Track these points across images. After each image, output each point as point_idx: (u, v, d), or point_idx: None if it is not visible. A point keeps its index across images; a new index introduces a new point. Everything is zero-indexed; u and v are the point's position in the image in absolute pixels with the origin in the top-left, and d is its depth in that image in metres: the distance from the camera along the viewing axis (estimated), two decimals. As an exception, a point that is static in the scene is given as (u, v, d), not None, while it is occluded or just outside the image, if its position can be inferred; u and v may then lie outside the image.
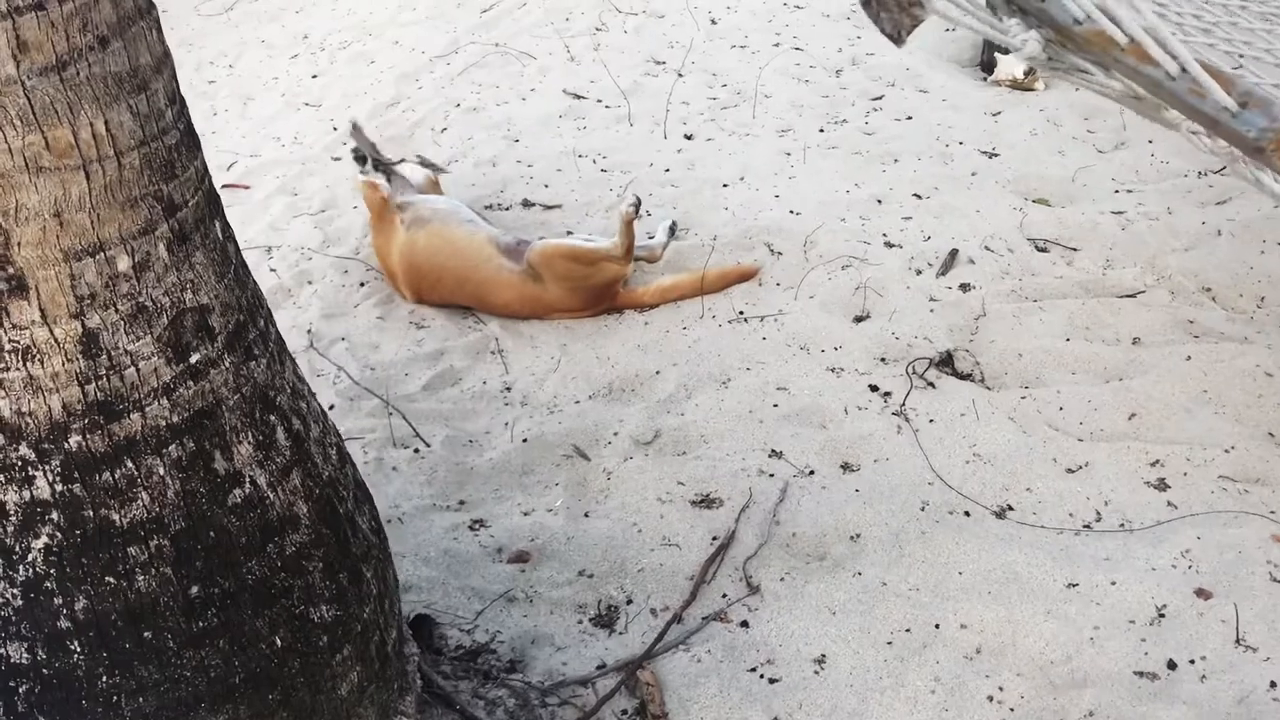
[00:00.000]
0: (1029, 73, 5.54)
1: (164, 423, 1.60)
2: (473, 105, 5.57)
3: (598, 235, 4.30)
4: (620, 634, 2.76)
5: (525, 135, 5.25)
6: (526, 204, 4.67)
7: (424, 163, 4.61)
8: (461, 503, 3.22)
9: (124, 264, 1.50)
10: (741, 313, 3.92)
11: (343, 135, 5.38)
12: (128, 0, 1.46)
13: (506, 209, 4.66)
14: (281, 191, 4.97)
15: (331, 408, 3.59)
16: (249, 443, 1.70)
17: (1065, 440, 3.28)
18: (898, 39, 2.17)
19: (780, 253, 4.22)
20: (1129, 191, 4.51)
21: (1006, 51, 5.67)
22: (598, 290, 3.93)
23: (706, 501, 3.14)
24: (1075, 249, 4.17)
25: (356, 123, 4.67)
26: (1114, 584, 2.79)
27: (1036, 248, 4.19)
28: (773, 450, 3.30)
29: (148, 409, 1.58)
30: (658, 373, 3.67)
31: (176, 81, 1.58)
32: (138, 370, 1.56)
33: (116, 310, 1.52)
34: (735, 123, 5.30)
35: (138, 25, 1.48)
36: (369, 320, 4.07)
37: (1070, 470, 3.18)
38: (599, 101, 5.55)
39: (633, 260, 3.97)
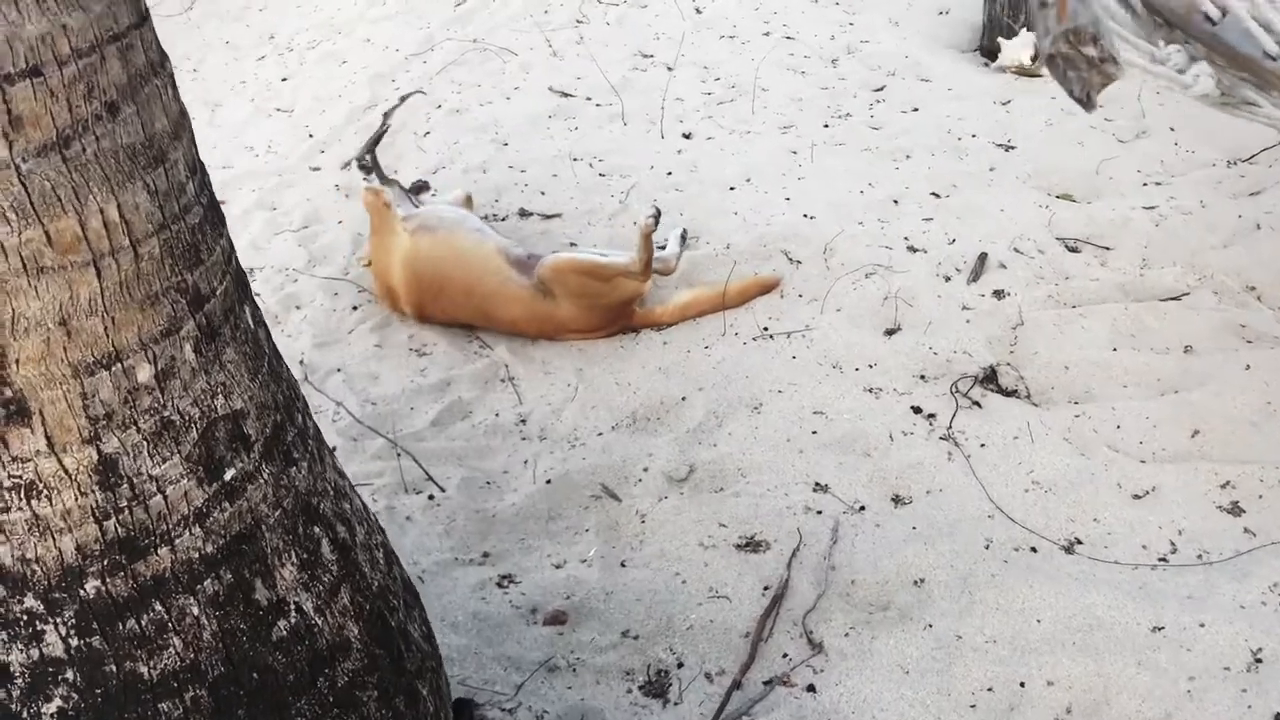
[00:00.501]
0: (1035, 58, 5.32)
1: (197, 555, 1.33)
2: (455, 106, 5.28)
3: (602, 245, 4.05)
4: (675, 704, 2.52)
5: (514, 138, 4.96)
6: (524, 213, 4.40)
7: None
8: (486, 555, 2.97)
9: (145, 374, 1.24)
10: (766, 329, 3.69)
11: (319, 144, 5.08)
12: (138, 54, 1.18)
13: (503, 219, 4.38)
14: (259, 206, 4.66)
15: (333, 450, 3.31)
16: (293, 564, 1.44)
17: (1127, 463, 3.07)
18: (1088, 102, 1.92)
19: (799, 261, 3.98)
20: (1157, 184, 4.30)
21: (1010, 36, 5.48)
22: (614, 309, 3.67)
23: (752, 545, 2.91)
24: (1108, 248, 3.96)
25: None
26: (1202, 626, 2.59)
27: (1067, 248, 3.98)
28: (817, 483, 3.07)
29: (178, 541, 1.31)
30: (684, 399, 3.43)
31: (195, 146, 1.31)
32: (165, 497, 1.29)
33: (138, 429, 1.25)
34: (734, 119, 5.05)
35: (151, 84, 1.20)
36: (366, 348, 3.79)
37: (1137, 496, 2.98)
38: (589, 99, 5.28)
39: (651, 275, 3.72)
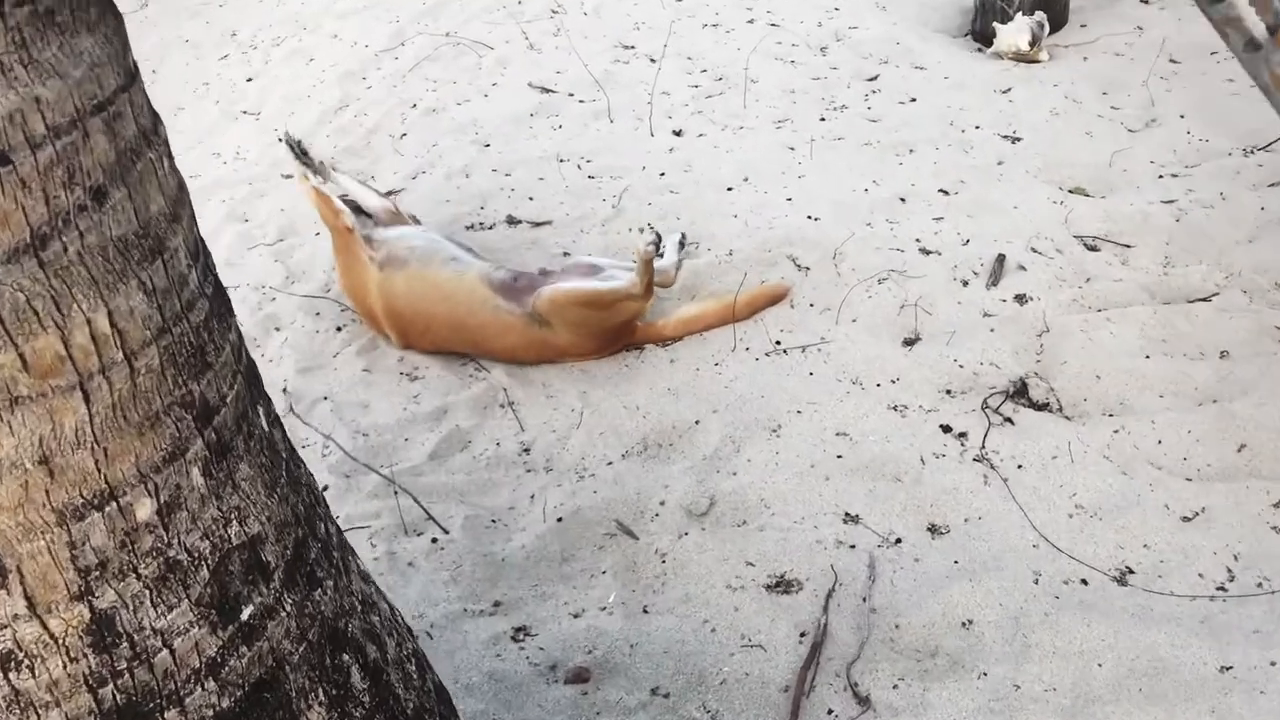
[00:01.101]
0: (1033, 43, 5.13)
1: (211, 713, 1.11)
2: (431, 106, 5.03)
3: (596, 254, 3.83)
4: (716, 771, 2.33)
5: (496, 139, 4.72)
6: (512, 221, 4.17)
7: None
8: (497, 604, 2.75)
9: (145, 510, 1.01)
10: (778, 342, 3.48)
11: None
12: (128, 123, 0.95)
13: (490, 228, 4.15)
14: (230, 218, 4.40)
15: (325, 489, 3.09)
16: (320, 705, 1.22)
17: (1173, 482, 2.91)
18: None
19: (807, 267, 3.78)
20: (1174, 176, 4.13)
21: (1005, 20, 5.28)
22: (615, 330, 3.45)
23: (784, 585, 2.71)
24: (1129, 245, 3.79)
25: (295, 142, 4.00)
26: (1274, 664, 2.42)
27: (1086, 246, 3.81)
28: (847, 514, 2.88)
29: (188, 700, 1.09)
30: (697, 422, 3.22)
31: (196, 224, 1.09)
32: (172, 652, 1.07)
33: (138, 576, 1.03)
34: (725, 114, 4.83)
35: (144, 158, 0.97)
36: (353, 373, 3.55)
37: (1186, 518, 2.81)
38: (571, 95, 5.04)
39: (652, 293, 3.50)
